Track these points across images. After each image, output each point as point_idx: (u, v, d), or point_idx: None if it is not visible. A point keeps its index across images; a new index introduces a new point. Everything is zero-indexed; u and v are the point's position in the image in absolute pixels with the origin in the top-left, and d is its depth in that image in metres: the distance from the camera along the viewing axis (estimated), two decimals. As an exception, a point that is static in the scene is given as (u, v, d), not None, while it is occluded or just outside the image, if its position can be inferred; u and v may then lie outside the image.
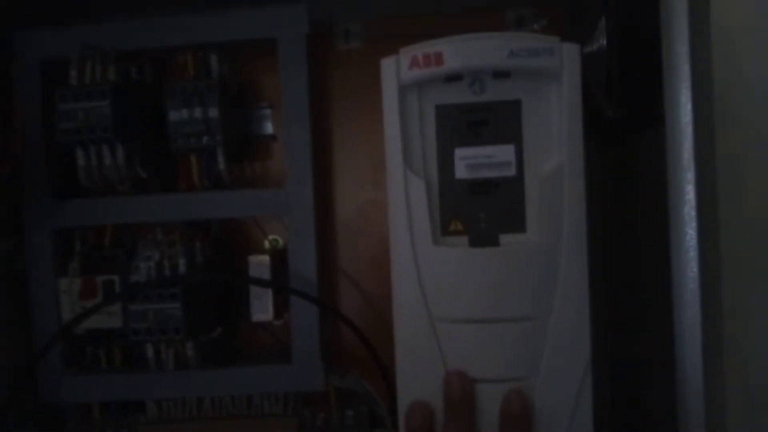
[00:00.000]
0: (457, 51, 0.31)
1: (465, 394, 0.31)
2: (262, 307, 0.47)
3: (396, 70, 0.31)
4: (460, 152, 0.32)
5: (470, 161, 0.32)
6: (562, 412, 0.32)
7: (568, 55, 0.31)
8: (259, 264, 0.47)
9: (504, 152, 0.32)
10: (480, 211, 0.33)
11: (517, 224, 0.32)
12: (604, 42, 0.36)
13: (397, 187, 0.32)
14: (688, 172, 0.29)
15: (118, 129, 0.42)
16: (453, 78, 0.32)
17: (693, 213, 0.29)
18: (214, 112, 0.44)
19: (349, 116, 0.50)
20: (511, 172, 0.32)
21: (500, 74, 0.32)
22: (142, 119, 0.45)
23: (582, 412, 0.32)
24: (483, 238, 0.32)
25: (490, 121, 0.32)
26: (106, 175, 0.44)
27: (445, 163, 0.32)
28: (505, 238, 0.32)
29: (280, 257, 0.48)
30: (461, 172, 0.32)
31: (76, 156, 0.44)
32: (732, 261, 0.31)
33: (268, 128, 0.50)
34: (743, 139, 0.32)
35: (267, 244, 0.50)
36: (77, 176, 0.45)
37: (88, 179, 0.44)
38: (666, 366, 0.32)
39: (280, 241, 0.51)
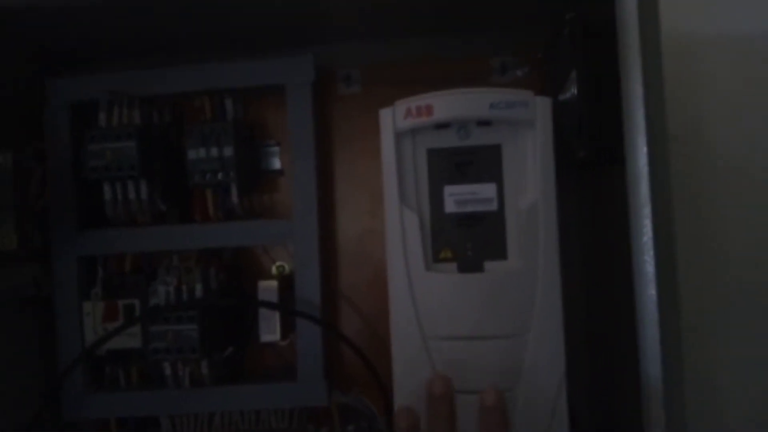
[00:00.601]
0: (445, 103, 0.36)
1: (446, 390, 0.34)
2: (270, 329, 0.51)
3: (392, 119, 0.36)
4: (449, 189, 0.37)
5: (458, 197, 0.37)
6: (541, 421, 0.36)
7: (541, 107, 0.36)
8: (268, 288, 0.51)
9: (487, 189, 0.37)
10: (467, 241, 0.37)
11: (500, 252, 0.37)
12: (575, 91, 0.41)
13: (393, 220, 0.37)
14: (645, 207, 0.34)
15: (143, 167, 0.47)
16: (442, 126, 0.37)
17: (650, 243, 0.34)
18: (229, 151, 0.48)
19: (349, 153, 0.54)
20: (494, 206, 0.37)
21: (483, 123, 0.36)
22: (163, 157, 0.50)
23: (559, 420, 0.36)
24: (469, 264, 0.37)
25: (474, 162, 0.37)
26: (129, 209, 0.49)
27: (436, 198, 0.37)
28: (489, 265, 0.37)
29: (286, 282, 0.52)
30: (450, 206, 0.37)
31: (103, 191, 0.48)
32: (688, 283, 0.35)
33: (277, 164, 0.55)
34: (698, 175, 0.37)
35: (275, 270, 0.55)
36: (102, 209, 0.49)
37: (113, 212, 0.49)
38: (633, 369, 0.36)
39: (287, 268, 0.55)
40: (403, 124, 0.36)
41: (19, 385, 0.48)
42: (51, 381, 0.48)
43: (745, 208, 0.40)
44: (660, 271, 0.34)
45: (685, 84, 0.44)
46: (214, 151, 0.48)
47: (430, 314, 0.36)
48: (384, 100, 0.39)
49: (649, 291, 0.33)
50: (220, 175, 0.49)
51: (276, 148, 0.55)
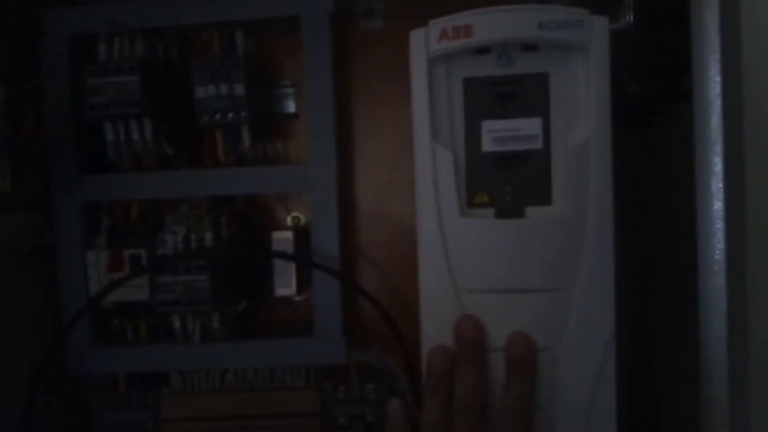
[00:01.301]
0: (487, 23, 0.31)
1: (476, 334, 0.32)
2: (285, 282, 0.48)
3: (425, 41, 0.32)
4: (487, 125, 0.33)
5: (497, 134, 0.33)
6: (584, 383, 0.33)
7: (597, 29, 0.31)
8: (283, 240, 0.48)
9: (531, 125, 0.32)
10: (506, 184, 0.33)
11: (544, 196, 0.33)
12: (630, 18, 0.36)
13: (424, 159, 0.33)
14: (716, 144, 0.29)
15: (146, 104, 0.43)
16: (481, 51, 0.32)
17: (720, 185, 0.29)
18: (240, 89, 0.44)
19: (370, 97, 0.50)
20: (538, 145, 0.33)
21: (528, 47, 0.32)
22: (169, 95, 0.46)
23: (605, 384, 0.32)
24: (509, 210, 0.33)
25: (517, 94, 0.32)
26: (133, 150, 0.45)
27: (472, 135, 0.33)
28: (530, 210, 0.33)
29: (302, 234, 0.49)
30: (488, 144, 0.33)
31: (104, 131, 0.44)
32: (759, 235, 0.31)
33: (291, 107, 0.51)
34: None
35: (290, 221, 0.51)
36: (105, 152, 0.46)
37: (116, 154, 0.45)
38: (690, 338, 0.32)
39: (302, 219, 0.51)
40: (437, 48, 0.32)
41: (22, 338, 0.46)
42: (55, 333, 0.45)
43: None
44: (730, 219, 0.29)
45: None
46: (224, 89, 0.44)
47: (463, 265, 0.33)
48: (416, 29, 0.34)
49: (717, 241, 0.29)
50: (230, 116, 0.45)
51: (290, 90, 0.51)
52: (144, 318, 0.48)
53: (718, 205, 0.29)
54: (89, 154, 0.47)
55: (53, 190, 0.47)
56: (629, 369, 0.41)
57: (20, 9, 0.46)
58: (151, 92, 0.44)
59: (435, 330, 0.33)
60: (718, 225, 0.29)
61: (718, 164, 0.29)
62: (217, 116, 0.45)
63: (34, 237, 0.47)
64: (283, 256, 0.46)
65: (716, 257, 0.29)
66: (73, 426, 0.50)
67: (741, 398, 0.30)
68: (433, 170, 0.32)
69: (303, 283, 0.49)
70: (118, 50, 0.44)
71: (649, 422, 0.43)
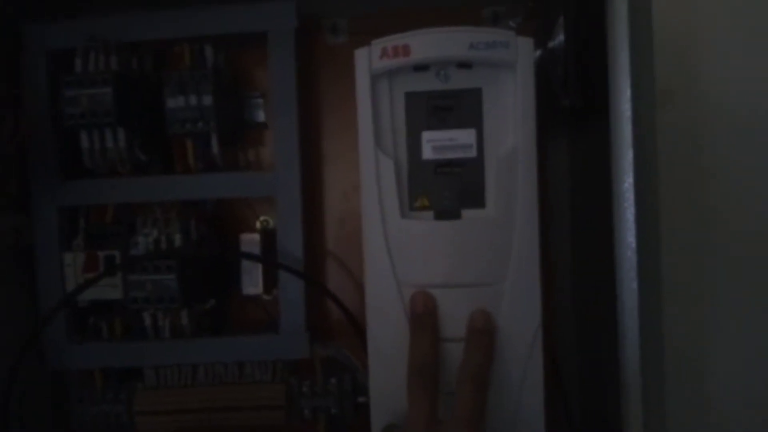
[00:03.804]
0: (423, 43, 0.34)
1: (428, 306, 0.34)
2: (252, 282, 0.51)
3: (368, 59, 0.35)
4: (426, 135, 0.36)
5: (436, 143, 0.36)
6: (516, 369, 0.36)
7: (523, 48, 0.34)
8: (250, 241, 0.51)
9: (466, 135, 0.36)
10: (444, 189, 0.36)
11: (477, 200, 0.36)
12: (561, 38, 0.39)
13: (368, 166, 0.36)
14: (628, 152, 0.33)
15: (119, 114, 0.46)
16: (420, 68, 0.35)
17: (631, 191, 0.33)
18: (208, 100, 0.47)
19: (336, 106, 0.53)
20: (473, 153, 0.36)
21: (463, 65, 0.35)
22: (141, 106, 0.48)
23: (533, 368, 0.35)
24: (446, 212, 0.36)
25: (454, 107, 0.36)
26: (108, 158, 0.48)
27: (413, 145, 0.36)
28: (466, 213, 0.36)
29: (270, 237, 0.52)
30: (428, 153, 0.36)
31: (80, 139, 0.47)
32: (667, 230, 0.34)
33: (261, 116, 0.54)
34: (680, 124, 0.36)
35: (258, 225, 0.54)
36: (82, 158, 0.48)
37: (91, 161, 0.48)
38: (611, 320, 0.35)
39: (271, 222, 0.54)
40: (379, 65, 0.35)
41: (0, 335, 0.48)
42: (32, 330, 0.48)
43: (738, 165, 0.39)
44: (640, 218, 0.33)
45: (680, 35, 0.42)
46: (193, 100, 0.47)
47: (405, 262, 0.36)
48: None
49: (629, 236, 0.32)
50: (199, 125, 0.48)
51: (260, 100, 0.54)
52: (119, 316, 0.51)
53: (629, 197, 0.33)
54: (68, 160, 0.50)
55: (33, 194, 0.50)
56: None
57: (3, 23, 0.49)
58: (124, 103, 0.47)
59: (379, 324, 0.36)
60: (629, 214, 0.32)
61: (628, 171, 0.33)
62: (187, 125, 0.48)
63: (12, 238, 0.50)
64: (248, 256, 0.49)
65: (629, 241, 0.33)
66: (53, 419, 0.52)
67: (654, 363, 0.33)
68: (377, 176, 0.36)
69: (270, 283, 0.52)
70: (94, 63, 0.47)
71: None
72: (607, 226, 0.35)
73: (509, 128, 0.35)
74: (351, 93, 0.54)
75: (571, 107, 0.39)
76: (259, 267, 0.51)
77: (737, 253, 0.36)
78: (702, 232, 0.35)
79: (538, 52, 0.42)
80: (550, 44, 0.42)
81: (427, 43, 0.34)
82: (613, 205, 0.33)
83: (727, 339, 0.38)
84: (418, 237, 0.35)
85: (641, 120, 0.33)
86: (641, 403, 0.33)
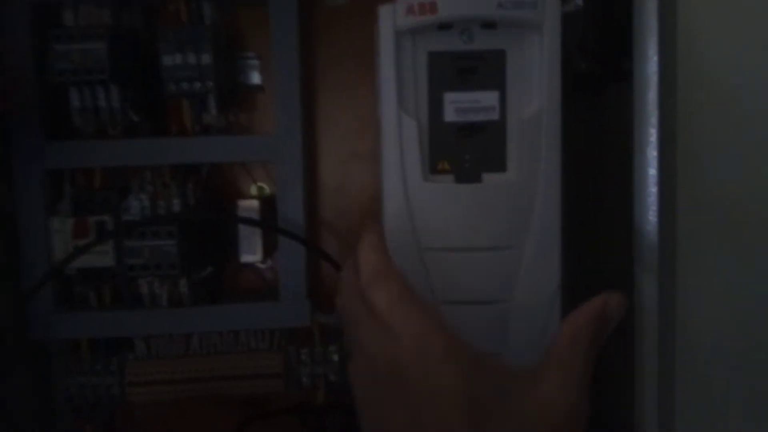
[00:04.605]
0: (450, 1, 0.33)
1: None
2: (250, 249, 0.49)
3: (393, 16, 0.34)
4: (449, 96, 0.35)
5: (458, 105, 0.35)
6: (533, 333, 0.36)
7: (550, 9, 0.34)
8: (249, 208, 0.49)
9: (489, 98, 0.35)
10: (465, 152, 0.36)
11: (499, 164, 0.36)
12: (579, 1, 0.39)
13: (390, 127, 0.35)
14: (653, 117, 0.33)
15: (113, 71, 0.43)
16: (444, 26, 0.34)
17: (655, 153, 0.33)
18: (207, 59, 0.45)
19: (335, 71, 0.52)
20: (495, 116, 0.35)
21: (488, 25, 0.34)
22: (135, 63, 0.46)
23: (552, 330, 0.36)
24: (467, 175, 0.35)
25: (477, 68, 0.35)
26: (99, 117, 0.45)
27: (436, 106, 0.35)
28: (487, 177, 0.36)
29: (267, 204, 0.50)
30: (450, 115, 0.35)
31: (69, 97, 0.45)
32: (688, 199, 0.35)
33: (256, 78, 0.52)
34: (704, 91, 0.36)
35: (255, 191, 0.52)
36: (69, 118, 0.46)
37: (81, 120, 0.45)
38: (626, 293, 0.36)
39: (267, 189, 0.53)
40: (404, 22, 0.34)
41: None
42: (17, 299, 0.46)
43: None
44: (663, 184, 0.33)
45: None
46: (191, 58, 0.45)
47: (426, 226, 0.35)
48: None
49: (651, 204, 0.33)
50: (197, 85, 0.46)
51: (255, 62, 0.52)
52: (108, 284, 0.49)
53: (652, 171, 0.33)
54: (53, 120, 0.47)
55: (16, 155, 0.47)
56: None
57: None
58: (118, 59, 0.44)
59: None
60: (652, 189, 0.33)
61: (653, 135, 0.33)
62: (184, 85, 0.46)
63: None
64: (251, 222, 0.48)
65: (650, 218, 0.33)
66: (34, 389, 0.50)
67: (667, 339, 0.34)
68: (399, 138, 0.35)
69: (268, 250, 0.50)
70: (85, 16, 0.44)
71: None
72: (623, 202, 0.35)
73: (533, 91, 0.35)
74: (351, 56, 0.53)
75: (586, 72, 0.39)
76: (258, 234, 0.49)
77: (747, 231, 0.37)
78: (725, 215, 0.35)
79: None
80: (565, 8, 0.41)
81: (454, 0, 0.33)
82: (634, 180, 0.34)
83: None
84: (439, 201, 0.35)
85: (666, 85, 0.33)
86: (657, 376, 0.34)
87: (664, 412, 0.35)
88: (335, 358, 0.50)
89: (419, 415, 0.25)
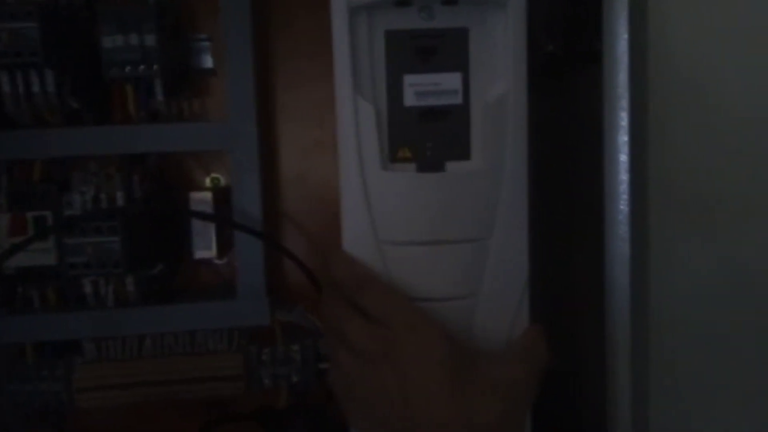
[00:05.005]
0: (407, -26, 0.31)
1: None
2: (204, 244, 0.47)
3: (345, -9, 0.31)
4: (409, 79, 0.33)
5: (419, 88, 0.33)
6: (501, 329, 0.34)
7: (515, -15, 0.31)
8: (201, 201, 0.47)
9: (451, 80, 0.33)
10: (427, 139, 0.33)
11: (463, 151, 0.33)
12: (547, -22, 0.37)
13: (346, 113, 0.32)
14: (623, 100, 0.31)
15: (47, 53, 0.40)
16: (403, 2, 0.32)
17: (626, 139, 0.31)
18: (151, 40, 0.42)
19: (293, 56, 0.49)
20: (458, 100, 0.33)
21: (449, 1, 0.32)
22: (72, 45, 0.43)
23: (519, 327, 0.34)
24: (430, 164, 0.33)
25: (438, 48, 0.33)
26: (34, 104, 0.42)
27: (394, 90, 0.33)
28: (450, 165, 0.33)
29: (222, 195, 0.48)
30: (410, 99, 0.33)
31: (0, 82, 0.41)
32: (659, 184, 0.33)
33: (208, 62, 0.49)
34: (676, 72, 0.34)
35: (209, 183, 0.50)
36: (2, 105, 0.42)
37: (14, 108, 0.42)
38: (597, 283, 0.34)
39: (222, 180, 0.50)
40: (358, -3, 0.31)
41: None
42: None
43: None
44: (634, 170, 0.31)
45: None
46: (134, 39, 0.42)
47: (385, 218, 0.33)
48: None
49: (622, 190, 0.31)
50: (141, 68, 0.42)
51: (207, 44, 0.49)
52: (52, 284, 0.46)
53: (623, 157, 0.31)
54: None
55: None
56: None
57: None
58: (52, 41, 0.41)
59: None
60: (623, 177, 0.31)
61: (624, 119, 0.31)
62: (127, 68, 0.42)
63: None
64: (202, 215, 0.45)
65: (621, 207, 0.31)
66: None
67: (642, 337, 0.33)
68: (356, 124, 0.32)
69: (224, 245, 0.48)
70: (12, -8, 0.41)
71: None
72: (593, 189, 0.33)
73: (498, 73, 0.33)
74: (308, 41, 0.51)
75: (556, 54, 0.37)
76: (212, 228, 0.47)
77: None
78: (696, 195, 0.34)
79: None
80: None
81: (413, -27, 0.31)
82: (605, 166, 0.32)
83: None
84: (400, 191, 0.33)
85: (636, 67, 0.31)
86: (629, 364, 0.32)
87: (637, 404, 0.34)
88: (298, 357, 0.48)
89: (409, 385, 0.30)
